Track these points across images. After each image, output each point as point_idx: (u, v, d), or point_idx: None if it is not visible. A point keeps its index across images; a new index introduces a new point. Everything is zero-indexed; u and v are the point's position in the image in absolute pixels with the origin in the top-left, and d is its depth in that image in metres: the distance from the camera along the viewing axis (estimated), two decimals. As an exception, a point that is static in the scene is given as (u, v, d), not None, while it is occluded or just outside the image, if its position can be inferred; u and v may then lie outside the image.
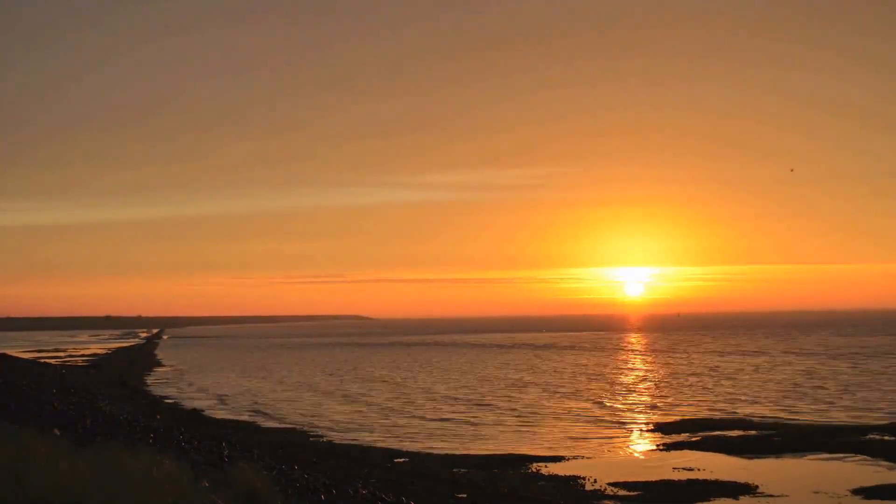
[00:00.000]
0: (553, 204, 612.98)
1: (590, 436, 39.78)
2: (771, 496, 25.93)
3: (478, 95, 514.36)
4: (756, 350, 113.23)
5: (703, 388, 61.39)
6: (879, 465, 30.58)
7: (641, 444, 37.29)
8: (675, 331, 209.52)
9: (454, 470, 30.43)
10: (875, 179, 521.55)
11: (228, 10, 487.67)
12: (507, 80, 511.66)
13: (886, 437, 36.35)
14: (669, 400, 54.63)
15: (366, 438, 39.84)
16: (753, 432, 38.79)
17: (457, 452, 35.09)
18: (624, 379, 72.37)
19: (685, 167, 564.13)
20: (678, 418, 44.86)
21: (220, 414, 51.49)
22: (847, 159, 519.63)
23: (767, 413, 46.36)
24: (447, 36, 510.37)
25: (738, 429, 40.11)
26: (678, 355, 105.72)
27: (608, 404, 52.96)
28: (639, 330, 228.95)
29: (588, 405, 52.56)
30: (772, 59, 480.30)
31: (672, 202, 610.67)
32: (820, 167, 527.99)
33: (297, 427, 44.67)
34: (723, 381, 66.64)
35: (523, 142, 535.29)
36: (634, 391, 61.37)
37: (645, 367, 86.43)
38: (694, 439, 37.30)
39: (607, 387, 65.13)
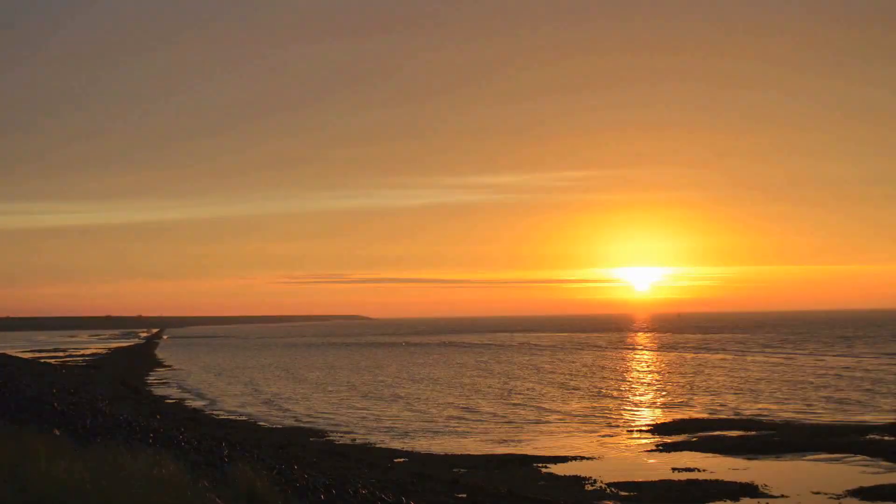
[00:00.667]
0: (556, 206, 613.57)
1: (590, 436, 39.78)
2: (771, 496, 25.92)
3: (485, 98, 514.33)
4: (758, 350, 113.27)
5: (703, 388, 61.38)
6: (879, 465, 30.57)
7: (641, 444, 37.27)
8: (675, 331, 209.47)
9: (454, 470, 30.42)
10: (881, 181, 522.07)
11: (229, 12, 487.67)
12: (513, 82, 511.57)
13: (886, 437, 36.33)
14: (669, 400, 54.65)
15: (366, 438, 39.85)
16: (753, 432, 38.78)
17: (457, 452, 35.08)
18: (623, 379, 72.37)
19: (694, 169, 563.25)
20: (678, 418, 44.87)
21: (221, 414, 51.49)
22: (853, 161, 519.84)
23: (767, 413, 46.39)
24: (448, 37, 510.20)
25: (738, 429, 40.11)
26: (678, 355, 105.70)
27: (608, 404, 52.97)
28: (640, 330, 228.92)
29: (588, 405, 52.56)
30: (779, 62, 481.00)
31: (681, 204, 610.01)
32: (826, 168, 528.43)
33: (298, 427, 44.66)
34: (723, 381, 66.65)
35: (530, 145, 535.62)
36: (634, 391, 61.38)
37: (644, 367, 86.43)
38: (694, 439, 37.30)
39: (607, 387, 65.14)
